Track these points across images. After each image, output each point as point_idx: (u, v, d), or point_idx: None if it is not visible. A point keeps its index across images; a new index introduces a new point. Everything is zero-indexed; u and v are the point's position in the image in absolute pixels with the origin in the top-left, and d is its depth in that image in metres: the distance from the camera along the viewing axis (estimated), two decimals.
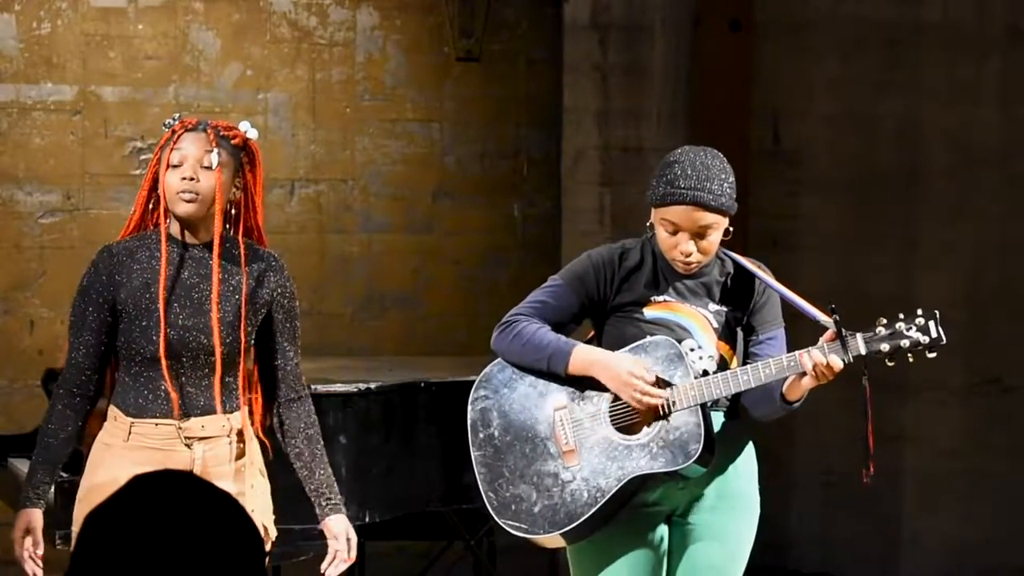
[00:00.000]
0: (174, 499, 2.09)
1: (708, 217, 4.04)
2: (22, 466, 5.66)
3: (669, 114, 7.23)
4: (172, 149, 4.01)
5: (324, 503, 4.15)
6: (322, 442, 4.21)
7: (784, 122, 7.35)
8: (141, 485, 2.10)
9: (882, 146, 7.31)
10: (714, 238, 4.08)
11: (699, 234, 4.05)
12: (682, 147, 4.17)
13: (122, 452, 4.03)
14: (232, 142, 4.06)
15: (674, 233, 4.05)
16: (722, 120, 7.10)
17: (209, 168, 4.01)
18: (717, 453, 4.09)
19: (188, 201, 4.00)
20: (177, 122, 4.08)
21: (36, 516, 4.05)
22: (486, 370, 4.22)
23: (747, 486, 4.20)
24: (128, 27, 7.10)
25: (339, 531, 4.12)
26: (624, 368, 4.01)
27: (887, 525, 7.33)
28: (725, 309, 4.13)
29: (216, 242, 4.03)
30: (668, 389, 4.01)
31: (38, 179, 7.05)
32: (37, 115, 7.04)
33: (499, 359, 4.20)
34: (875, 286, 6.88)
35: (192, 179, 3.99)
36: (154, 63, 7.13)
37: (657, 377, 4.01)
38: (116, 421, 4.06)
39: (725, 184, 4.08)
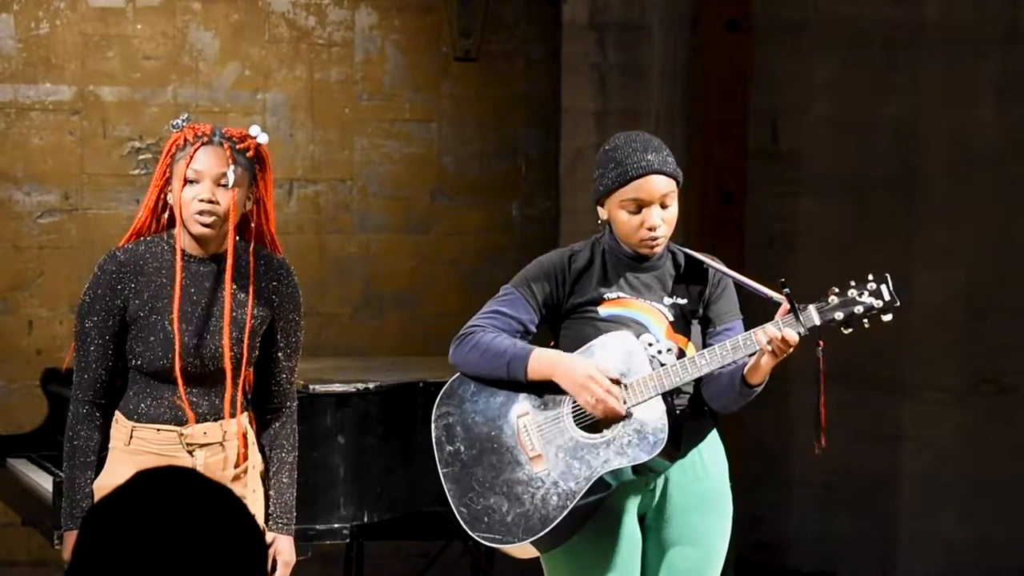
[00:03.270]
0: (176, 494, 2.09)
1: (667, 184, 4.06)
2: (21, 466, 5.66)
3: (667, 114, 7.23)
4: (188, 164, 3.96)
5: (272, 520, 4.15)
6: (294, 458, 4.19)
7: (782, 122, 7.35)
8: (143, 480, 2.11)
9: (880, 146, 7.31)
10: (674, 209, 4.09)
11: (662, 205, 4.06)
12: (611, 138, 4.18)
13: (123, 456, 4.02)
14: (247, 155, 4.02)
15: (638, 211, 4.05)
16: (720, 120, 7.10)
17: (226, 186, 3.97)
18: (684, 450, 4.09)
19: (206, 225, 3.96)
20: (186, 124, 4.03)
21: None
22: (446, 385, 4.18)
23: (718, 484, 4.19)
24: (126, 27, 7.10)
25: (274, 550, 4.12)
26: (582, 372, 3.98)
27: (886, 525, 7.33)
28: (680, 302, 4.12)
29: (229, 263, 4.01)
30: (626, 387, 3.99)
31: (36, 179, 7.05)
32: (35, 115, 7.04)
33: (458, 374, 4.17)
34: None
35: (211, 200, 3.95)
36: (153, 63, 7.13)
37: (613, 379, 3.98)
38: (118, 424, 4.05)
39: (669, 152, 4.11)
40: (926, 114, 7.25)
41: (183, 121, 4.05)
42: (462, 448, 4.11)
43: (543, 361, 4.03)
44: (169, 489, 2.10)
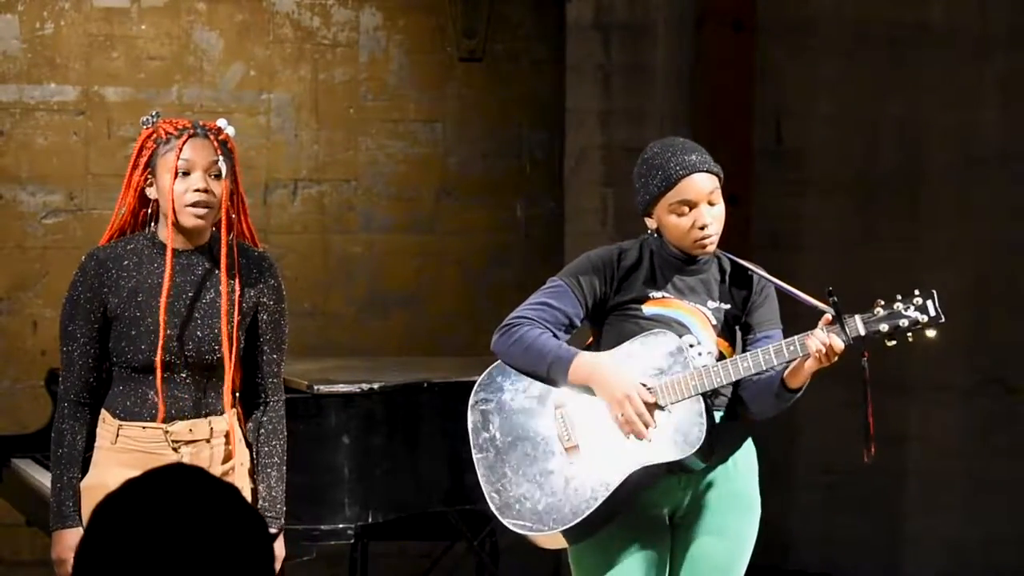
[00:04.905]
0: (182, 492, 2.09)
1: (712, 182, 4.08)
2: (26, 466, 5.67)
3: (671, 114, 7.23)
4: (178, 156, 3.96)
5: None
6: (282, 452, 4.16)
7: (786, 122, 7.35)
8: (150, 478, 2.11)
9: (884, 146, 7.31)
10: (721, 206, 4.11)
11: (709, 203, 4.07)
12: (646, 148, 4.18)
13: (110, 455, 4.02)
14: (228, 146, 4.03)
15: (687, 213, 4.06)
16: (724, 120, 7.10)
17: (217, 177, 3.98)
18: (719, 452, 4.10)
19: (200, 216, 3.97)
20: (158, 119, 4.03)
21: (79, 535, 3.98)
22: (486, 372, 4.20)
23: (747, 486, 4.21)
24: (131, 27, 7.11)
25: None
26: (620, 389, 4.00)
27: (889, 525, 7.32)
28: (724, 306, 4.14)
29: (224, 252, 4.01)
30: (662, 379, 4.01)
31: (41, 179, 7.06)
32: (40, 115, 7.05)
33: (499, 361, 4.20)
34: (878, 286, 6.86)
35: (206, 191, 3.95)
36: (157, 63, 7.13)
37: (649, 404, 4.00)
38: (104, 423, 4.05)
39: (706, 152, 4.13)
40: (930, 114, 7.25)
41: (154, 117, 4.05)
42: (498, 435, 4.13)
43: (584, 368, 4.04)
44: (176, 487, 2.11)
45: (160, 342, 3.96)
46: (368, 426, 5.16)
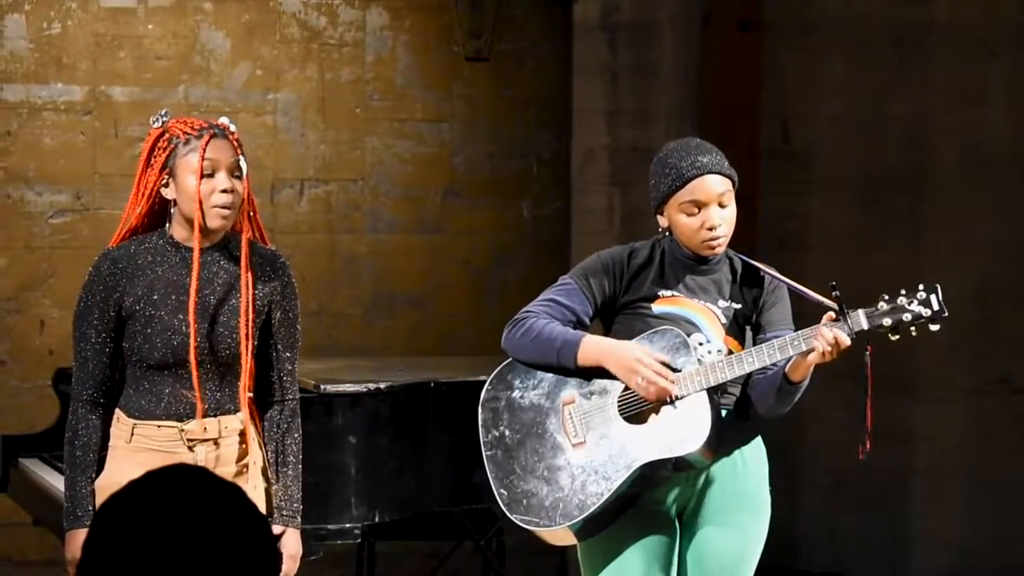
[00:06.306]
0: (186, 493, 2.10)
1: (723, 183, 4.10)
2: (33, 466, 5.68)
3: (678, 114, 7.23)
4: (202, 157, 3.94)
5: (277, 513, 4.12)
6: (298, 451, 4.16)
7: (793, 122, 7.35)
8: (153, 478, 2.12)
9: (891, 146, 7.31)
10: (732, 209, 4.13)
11: (720, 205, 4.09)
12: (662, 146, 4.22)
13: (125, 454, 4.02)
14: (240, 144, 4.04)
15: (696, 213, 4.09)
16: (731, 120, 7.10)
17: (239, 176, 3.98)
18: (724, 449, 4.11)
19: (226, 217, 3.96)
20: (169, 118, 4.02)
21: None
22: (497, 370, 4.24)
23: (755, 485, 4.22)
24: (138, 27, 7.11)
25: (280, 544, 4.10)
26: (631, 356, 4.02)
27: (896, 525, 7.33)
28: (735, 306, 4.16)
29: (244, 251, 4.01)
30: (674, 375, 4.02)
31: (48, 179, 7.06)
32: (47, 115, 7.05)
33: (509, 359, 4.22)
34: (884, 286, 6.85)
35: (232, 191, 3.95)
36: (164, 63, 7.14)
37: (664, 363, 4.02)
38: (119, 422, 4.05)
39: (721, 154, 4.16)
40: (937, 113, 7.25)
41: (164, 116, 4.04)
42: (507, 432, 4.17)
43: (594, 347, 4.08)
44: (179, 487, 2.11)
45: (192, 341, 3.96)
46: (374, 426, 5.16)
